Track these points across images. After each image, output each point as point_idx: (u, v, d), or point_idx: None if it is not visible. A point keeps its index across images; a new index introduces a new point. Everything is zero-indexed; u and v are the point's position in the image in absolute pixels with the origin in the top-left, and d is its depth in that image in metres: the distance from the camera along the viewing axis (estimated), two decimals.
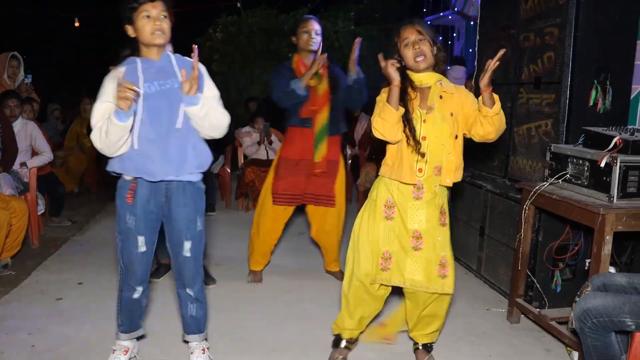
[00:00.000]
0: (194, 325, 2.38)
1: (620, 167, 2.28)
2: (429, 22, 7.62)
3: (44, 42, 11.93)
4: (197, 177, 2.24)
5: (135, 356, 2.43)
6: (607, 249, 2.27)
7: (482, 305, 3.20)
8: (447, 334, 2.79)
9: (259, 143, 5.67)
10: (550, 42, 2.94)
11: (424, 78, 2.24)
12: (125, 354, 2.37)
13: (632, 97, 2.90)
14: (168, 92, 2.12)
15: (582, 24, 2.75)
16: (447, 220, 2.32)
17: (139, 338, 2.45)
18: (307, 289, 3.41)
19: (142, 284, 2.29)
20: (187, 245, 2.25)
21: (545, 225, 2.91)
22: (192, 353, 2.40)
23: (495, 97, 2.16)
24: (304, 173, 3.31)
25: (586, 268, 2.49)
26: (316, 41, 3.23)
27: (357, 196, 5.66)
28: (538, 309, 2.81)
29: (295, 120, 3.26)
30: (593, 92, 2.78)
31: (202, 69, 2.22)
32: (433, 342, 2.53)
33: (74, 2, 11.50)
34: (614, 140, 2.38)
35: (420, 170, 2.21)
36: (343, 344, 2.51)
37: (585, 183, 2.47)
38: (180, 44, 2.41)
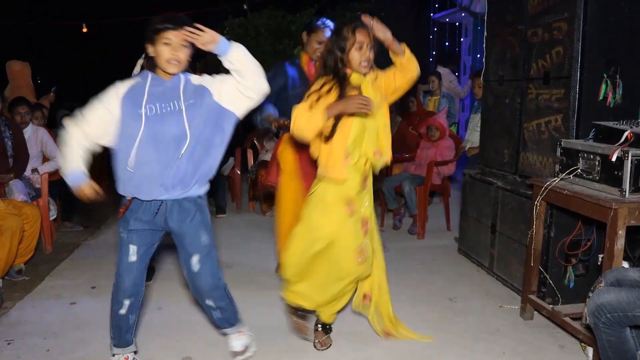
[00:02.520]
0: (223, 322, 2.46)
1: (632, 160, 2.26)
2: (436, 19, 7.59)
3: (51, 48, 12.05)
4: (194, 193, 2.21)
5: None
6: (620, 243, 2.25)
7: (495, 303, 3.18)
8: (460, 331, 2.79)
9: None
10: (558, 36, 2.92)
11: (356, 78, 2.39)
12: None
13: None
14: (169, 115, 2.11)
15: (590, 18, 2.73)
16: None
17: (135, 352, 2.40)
18: None
19: (130, 298, 2.24)
20: (195, 259, 2.26)
21: (557, 221, 2.89)
22: (230, 340, 2.49)
23: (403, 45, 2.39)
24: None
25: (599, 263, 2.46)
26: None
27: None
28: (551, 305, 2.80)
29: None
30: (603, 86, 2.76)
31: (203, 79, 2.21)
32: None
33: (81, 8, 11.61)
34: (625, 134, 2.36)
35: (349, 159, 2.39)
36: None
37: (597, 178, 2.45)
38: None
